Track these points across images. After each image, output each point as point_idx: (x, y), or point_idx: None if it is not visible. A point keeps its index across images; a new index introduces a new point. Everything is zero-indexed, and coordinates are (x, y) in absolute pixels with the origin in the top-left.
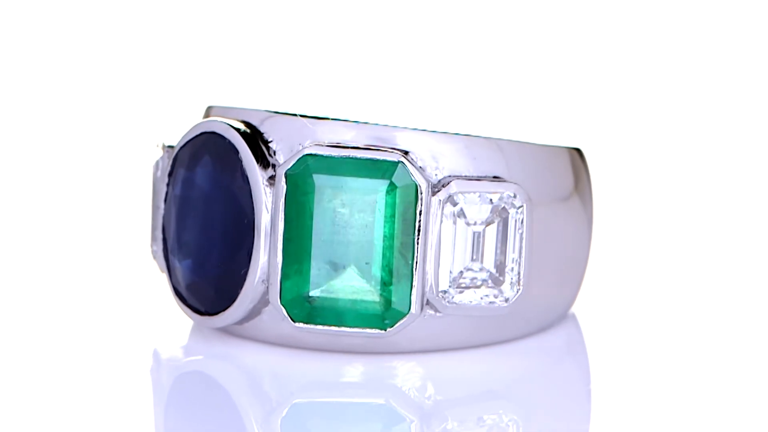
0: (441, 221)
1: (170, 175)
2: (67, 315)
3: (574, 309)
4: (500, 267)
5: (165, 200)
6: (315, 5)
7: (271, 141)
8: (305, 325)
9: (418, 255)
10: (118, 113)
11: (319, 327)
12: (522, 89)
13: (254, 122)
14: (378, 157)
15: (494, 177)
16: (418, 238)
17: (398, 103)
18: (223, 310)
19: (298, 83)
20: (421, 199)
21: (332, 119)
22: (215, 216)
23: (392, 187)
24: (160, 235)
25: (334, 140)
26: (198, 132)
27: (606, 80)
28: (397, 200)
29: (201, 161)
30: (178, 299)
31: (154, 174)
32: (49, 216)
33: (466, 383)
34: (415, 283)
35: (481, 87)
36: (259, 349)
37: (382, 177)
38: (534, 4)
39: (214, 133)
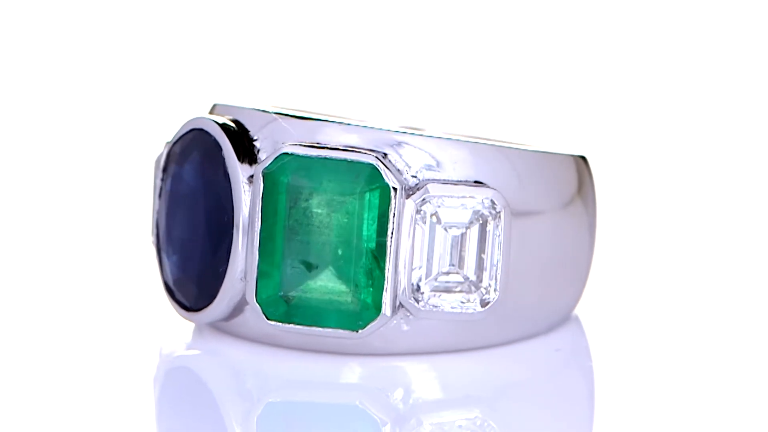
0: (415, 224)
1: (164, 170)
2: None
3: (578, 311)
4: (477, 272)
5: (159, 196)
6: (332, 5)
7: (257, 139)
8: (281, 324)
9: (391, 257)
10: (128, 110)
11: (296, 326)
12: (528, 95)
13: (244, 120)
14: (353, 159)
15: (476, 182)
16: (390, 241)
17: (404, 105)
18: (205, 306)
19: (314, 82)
20: (394, 202)
21: (314, 119)
22: (200, 212)
23: (365, 189)
24: (155, 230)
25: (315, 140)
26: (188, 128)
27: (610, 85)
28: (370, 202)
29: (189, 157)
30: (167, 294)
31: (155, 170)
32: (55, 210)
33: (446, 387)
34: (387, 285)
35: (487, 93)
36: (245, 346)
37: (356, 178)
38: (542, 11)
39: (201, 129)
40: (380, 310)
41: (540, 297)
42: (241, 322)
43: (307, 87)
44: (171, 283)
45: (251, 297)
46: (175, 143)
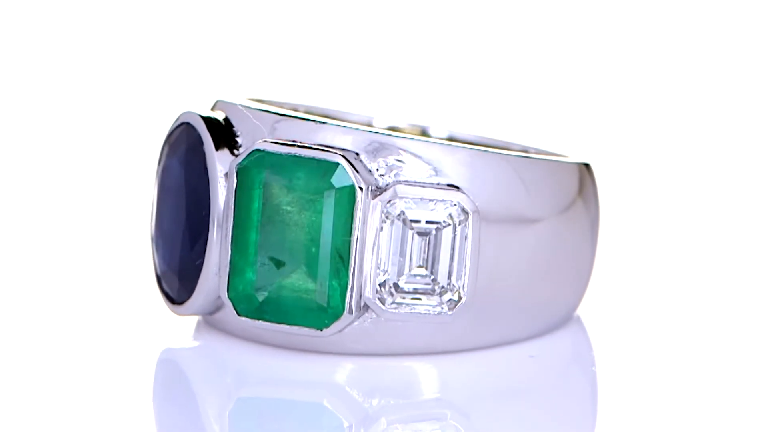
0: (381, 225)
1: (158, 163)
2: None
3: (581, 312)
4: (445, 275)
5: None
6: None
7: (239, 135)
8: (251, 321)
9: (356, 257)
10: (146, 105)
11: (265, 323)
12: (538, 97)
13: (232, 116)
14: (321, 157)
15: (449, 185)
16: (355, 241)
17: (415, 103)
18: (187, 300)
19: (337, 79)
20: (360, 202)
21: (295, 117)
22: (183, 206)
23: (331, 188)
24: (152, 223)
25: (290, 138)
26: (179, 122)
27: (612, 87)
28: (336, 201)
29: (178, 151)
30: (158, 286)
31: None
32: (59, 207)
33: (417, 390)
34: (350, 285)
35: (499, 94)
36: (229, 340)
37: (324, 177)
38: (546, 15)
39: (189, 123)
40: (343, 310)
41: (535, 299)
42: (223, 316)
43: (328, 84)
44: (159, 275)
45: (223, 293)
46: (168, 137)
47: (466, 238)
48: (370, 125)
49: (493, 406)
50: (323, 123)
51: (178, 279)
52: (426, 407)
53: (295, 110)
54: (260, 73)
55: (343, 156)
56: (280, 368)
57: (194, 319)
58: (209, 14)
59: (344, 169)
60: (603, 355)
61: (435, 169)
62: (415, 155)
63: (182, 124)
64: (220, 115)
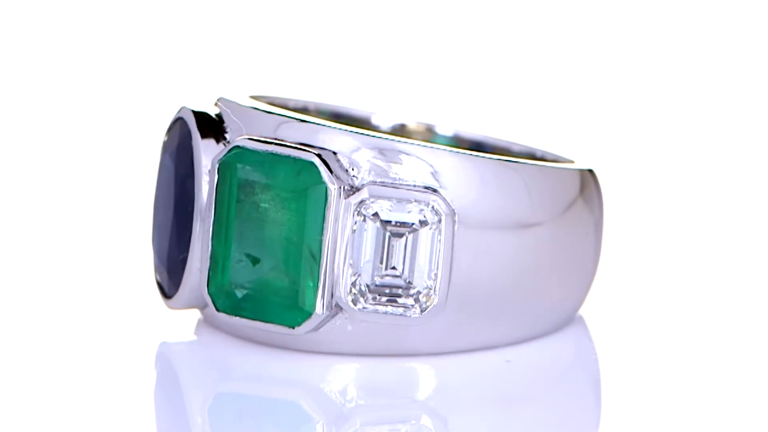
0: (352, 225)
1: (160, 159)
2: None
3: (584, 312)
4: (415, 277)
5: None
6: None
7: (228, 131)
8: (229, 317)
9: (327, 257)
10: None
11: (242, 319)
12: (540, 100)
13: (227, 113)
14: (296, 156)
15: (426, 188)
16: (327, 240)
17: (418, 103)
18: (174, 294)
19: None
20: (332, 201)
21: (278, 114)
22: (172, 201)
23: (304, 187)
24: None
25: (273, 135)
26: (175, 118)
27: (621, 89)
28: (309, 200)
29: (172, 146)
30: (155, 279)
31: None
32: (65, 205)
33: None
34: (321, 284)
35: (509, 94)
36: (219, 335)
37: (298, 175)
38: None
39: (182, 119)
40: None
41: (532, 301)
42: (210, 311)
43: (336, 81)
44: (154, 268)
45: (204, 288)
46: (167, 132)
47: (439, 240)
48: (373, 123)
49: (471, 410)
50: (304, 122)
51: (167, 273)
52: (401, 409)
53: (305, 108)
54: (270, 69)
55: (318, 155)
56: (259, 365)
57: (197, 313)
58: (224, 12)
59: (317, 168)
60: (606, 354)
61: (412, 171)
62: (393, 156)
63: (178, 119)
64: (215, 111)
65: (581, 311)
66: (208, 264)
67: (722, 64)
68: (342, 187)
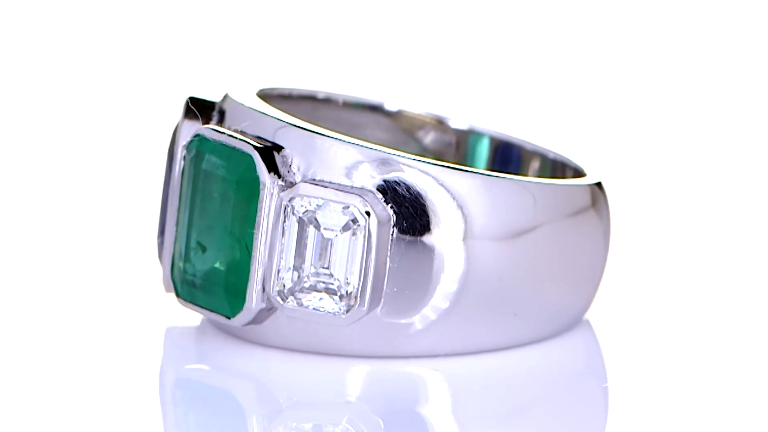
0: (284, 221)
1: None
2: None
3: (591, 315)
4: (344, 277)
5: None
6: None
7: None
8: (186, 303)
9: (258, 251)
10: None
11: (197, 307)
12: (558, 100)
13: (227, 109)
14: (240, 148)
15: (362, 188)
16: (259, 234)
17: (434, 96)
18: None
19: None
20: (264, 195)
21: (248, 107)
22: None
23: (245, 179)
24: None
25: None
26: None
27: (638, 92)
28: (243, 193)
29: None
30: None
31: None
32: (71, 205)
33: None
34: (251, 278)
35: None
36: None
37: (238, 167)
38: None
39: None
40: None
41: (540, 305)
42: None
43: (350, 72)
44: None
45: (167, 273)
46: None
47: (369, 243)
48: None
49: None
50: (264, 114)
51: (159, 259)
52: (333, 409)
53: (314, 95)
54: (284, 61)
55: (256, 148)
56: (215, 353)
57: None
58: (245, 3)
59: (253, 161)
60: (610, 357)
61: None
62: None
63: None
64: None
65: (588, 315)
66: (171, 250)
67: (734, 72)
68: (276, 183)
